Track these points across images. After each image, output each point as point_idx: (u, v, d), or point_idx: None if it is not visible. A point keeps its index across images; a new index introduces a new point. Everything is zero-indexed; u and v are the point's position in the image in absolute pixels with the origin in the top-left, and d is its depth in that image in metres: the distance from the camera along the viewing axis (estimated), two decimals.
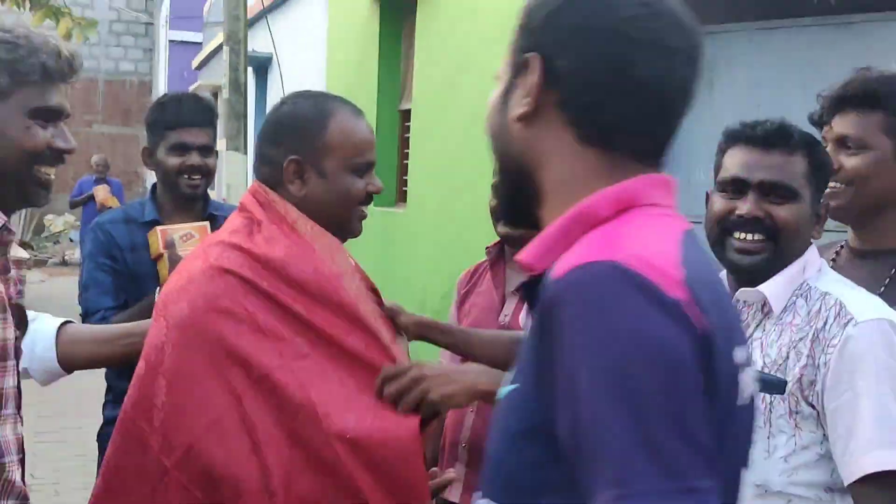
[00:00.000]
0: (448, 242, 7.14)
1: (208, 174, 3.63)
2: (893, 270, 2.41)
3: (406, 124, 8.92)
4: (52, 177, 2.24)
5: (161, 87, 25.82)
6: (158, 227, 3.41)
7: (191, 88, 19.43)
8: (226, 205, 4.37)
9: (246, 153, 10.49)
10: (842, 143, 2.47)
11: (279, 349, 2.12)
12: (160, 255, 3.37)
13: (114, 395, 3.31)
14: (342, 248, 2.36)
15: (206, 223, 3.45)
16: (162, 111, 3.68)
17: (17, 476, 2.08)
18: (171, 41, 23.97)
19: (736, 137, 2.26)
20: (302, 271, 2.18)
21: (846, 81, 2.51)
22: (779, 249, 2.19)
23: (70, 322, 2.57)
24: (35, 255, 18.53)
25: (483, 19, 6.71)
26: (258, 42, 13.72)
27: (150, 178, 17.14)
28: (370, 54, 9.27)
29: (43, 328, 2.52)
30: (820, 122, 2.55)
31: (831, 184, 2.37)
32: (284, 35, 13.06)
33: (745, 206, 2.19)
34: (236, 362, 2.08)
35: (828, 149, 2.42)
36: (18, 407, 2.16)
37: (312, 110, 2.37)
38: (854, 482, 2.05)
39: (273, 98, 13.84)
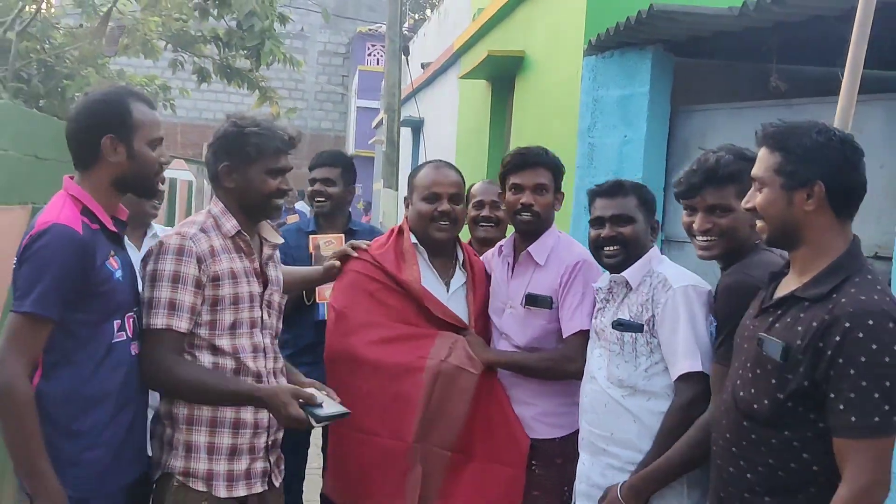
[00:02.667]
0: None
1: (330, 198, 3.99)
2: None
3: None
4: (282, 201, 2.69)
5: (351, 141, 26.42)
6: (311, 235, 3.89)
7: (370, 142, 20.30)
8: (362, 223, 4.56)
9: (397, 190, 11.18)
10: (712, 209, 2.58)
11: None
12: (310, 254, 3.80)
13: None
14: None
15: (342, 235, 3.83)
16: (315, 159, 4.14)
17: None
18: (358, 107, 24.33)
19: (595, 193, 2.84)
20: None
21: (701, 162, 2.63)
22: (627, 252, 2.76)
23: None
24: None
25: (552, 98, 7.02)
26: (415, 110, 14.41)
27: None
28: (484, 120, 9.44)
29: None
30: (688, 193, 2.62)
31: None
32: (431, 106, 13.47)
33: (604, 232, 2.79)
34: None
35: (699, 213, 2.59)
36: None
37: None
38: (675, 380, 2.59)
39: (425, 148, 14.50)
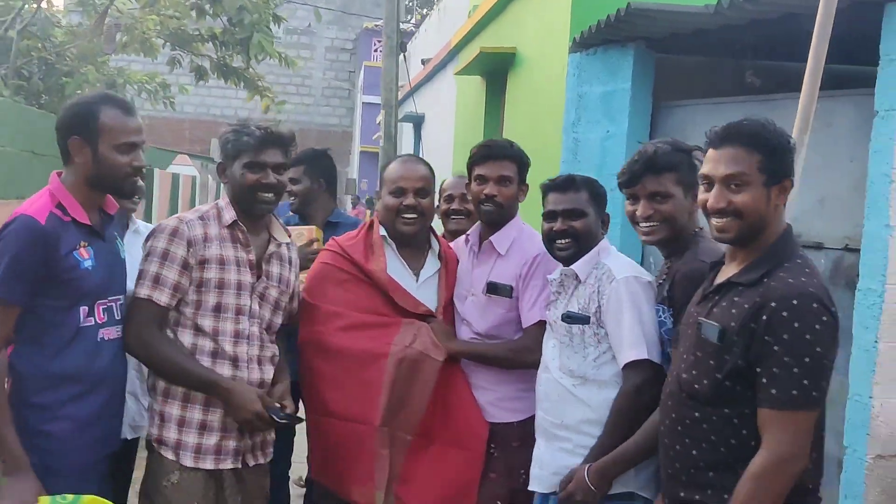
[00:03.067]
0: None
1: (296, 195, 4.11)
2: None
3: None
4: (270, 195, 2.84)
5: (357, 136, 26.63)
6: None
7: (374, 137, 20.42)
8: (346, 216, 4.63)
9: None
10: (653, 196, 2.68)
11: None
12: None
13: None
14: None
15: (313, 227, 3.94)
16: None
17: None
18: (363, 103, 24.52)
19: (548, 188, 2.93)
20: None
21: (642, 153, 2.74)
22: (579, 245, 2.84)
23: None
24: None
25: (541, 94, 7.13)
26: (417, 105, 14.42)
27: (346, 200, 18.07)
28: (479, 116, 9.59)
29: None
30: (630, 181, 2.73)
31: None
32: (431, 101, 13.61)
33: (556, 225, 2.87)
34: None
35: (641, 200, 2.70)
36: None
37: None
38: (623, 368, 2.68)
39: (425, 142, 14.70)
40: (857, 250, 4.23)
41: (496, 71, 8.85)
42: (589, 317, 2.75)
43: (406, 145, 15.79)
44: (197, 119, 26.79)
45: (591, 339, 2.75)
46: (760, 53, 5.21)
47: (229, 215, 2.85)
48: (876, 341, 4.02)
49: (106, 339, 2.66)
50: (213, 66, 8.61)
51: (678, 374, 2.32)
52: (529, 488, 2.89)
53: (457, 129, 11.14)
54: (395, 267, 3.13)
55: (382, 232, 3.15)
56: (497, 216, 3.14)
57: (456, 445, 3.00)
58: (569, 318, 2.78)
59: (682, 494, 2.24)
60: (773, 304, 2.07)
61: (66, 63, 7.54)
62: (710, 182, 2.25)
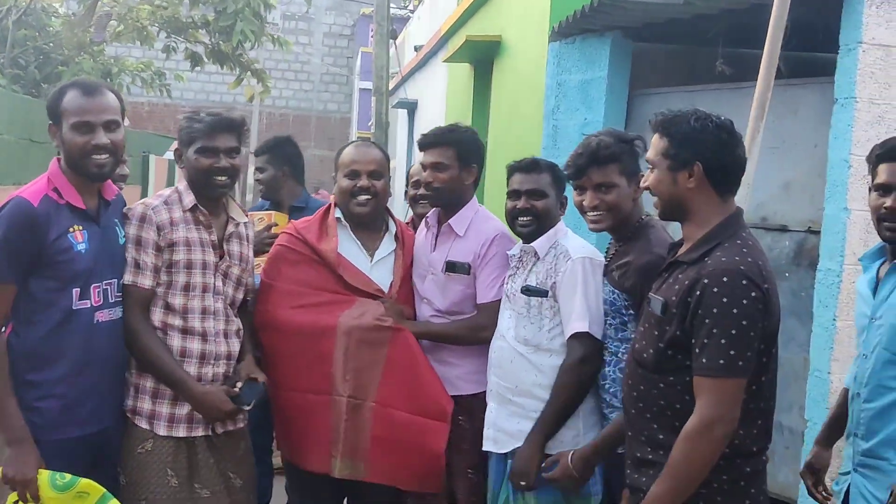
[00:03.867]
0: None
1: (262, 183, 4.29)
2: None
3: None
4: (224, 178, 2.93)
5: (355, 122, 26.64)
6: (249, 212, 3.94)
7: (369, 123, 20.43)
8: (313, 199, 4.61)
9: None
10: (598, 187, 2.82)
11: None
12: None
13: None
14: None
15: (272, 212, 4.08)
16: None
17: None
18: (361, 89, 23.97)
19: (513, 168, 3.09)
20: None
21: (585, 146, 2.86)
22: (539, 223, 3.01)
23: None
24: None
25: (524, 83, 7.23)
26: (410, 91, 14.58)
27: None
28: (468, 102, 9.75)
29: None
30: (577, 174, 2.87)
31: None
32: (423, 88, 13.73)
33: (519, 204, 3.04)
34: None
35: (587, 191, 2.84)
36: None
37: None
38: (568, 339, 2.87)
39: (419, 128, 14.68)
40: (820, 232, 4.38)
41: (483, 59, 8.95)
42: (547, 291, 2.92)
43: (400, 132, 15.88)
44: (197, 105, 26.58)
45: (548, 311, 2.92)
46: (731, 42, 5.31)
47: (189, 199, 2.96)
48: (834, 319, 4.18)
49: (101, 321, 2.75)
50: (208, 53, 8.70)
51: (633, 344, 2.49)
52: (484, 449, 3.06)
53: (448, 115, 11.18)
54: (348, 247, 3.24)
55: (338, 214, 3.28)
56: (435, 200, 3.32)
57: (423, 415, 3.13)
58: (528, 290, 2.94)
59: (638, 455, 2.39)
60: (705, 281, 2.21)
61: (61, 52, 7.66)
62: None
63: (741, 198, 3.39)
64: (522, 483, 2.85)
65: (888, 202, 2.64)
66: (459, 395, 3.20)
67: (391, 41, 11.03)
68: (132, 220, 2.91)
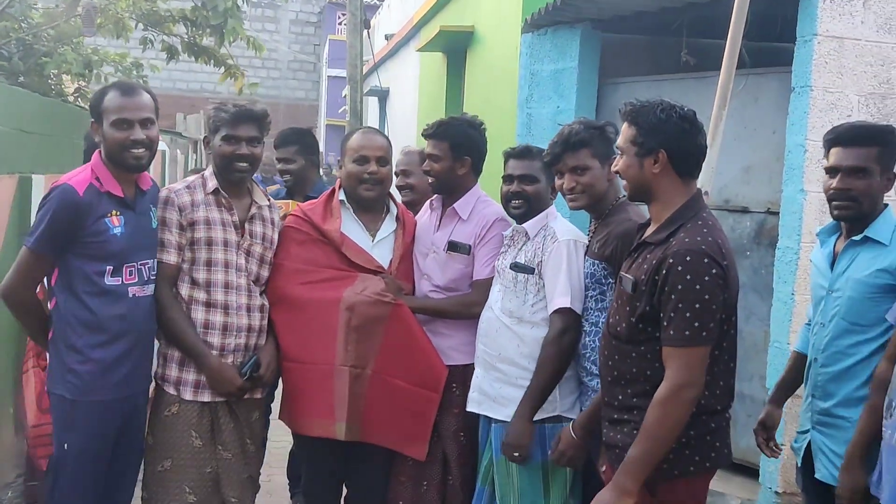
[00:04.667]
0: None
1: (292, 174, 4.47)
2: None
3: None
4: (245, 164, 3.19)
5: (323, 110, 26.66)
6: None
7: (339, 111, 20.49)
8: (326, 187, 4.83)
9: None
10: (573, 170, 3.05)
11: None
12: None
13: None
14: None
15: (290, 201, 4.25)
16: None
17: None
18: (329, 76, 24.42)
19: (508, 154, 3.32)
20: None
21: (559, 134, 3.07)
22: (530, 206, 3.24)
23: None
24: None
25: (498, 72, 7.45)
26: (382, 80, 14.69)
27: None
28: (441, 91, 9.92)
29: None
30: (554, 160, 3.10)
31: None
32: (395, 76, 13.83)
33: (512, 188, 3.27)
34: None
35: (565, 175, 3.06)
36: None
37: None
38: (551, 313, 3.10)
39: (390, 116, 14.96)
40: (778, 213, 4.65)
41: (456, 48, 9.12)
42: (533, 268, 3.15)
43: (371, 119, 15.97)
44: (164, 94, 26.59)
45: (532, 287, 3.15)
46: (696, 33, 5.53)
47: (212, 183, 3.21)
48: (793, 293, 4.46)
49: (137, 295, 3.01)
50: (185, 46, 8.79)
51: (608, 319, 2.71)
52: (468, 409, 3.29)
53: (421, 104, 11.42)
54: (351, 228, 3.45)
55: (342, 196, 3.48)
56: (435, 187, 3.57)
57: (417, 385, 3.35)
58: (516, 267, 3.18)
59: (614, 416, 2.61)
60: (671, 260, 2.42)
61: (43, 44, 7.73)
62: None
63: (705, 181, 3.67)
64: (516, 454, 3.05)
65: (834, 183, 2.87)
66: (453, 364, 3.41)
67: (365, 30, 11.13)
68: (158, 202, 3.15)
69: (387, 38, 14.40)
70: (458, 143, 3.47)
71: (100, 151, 3.02)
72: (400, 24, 13.25)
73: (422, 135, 3.62)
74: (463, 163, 3.49)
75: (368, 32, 12.02)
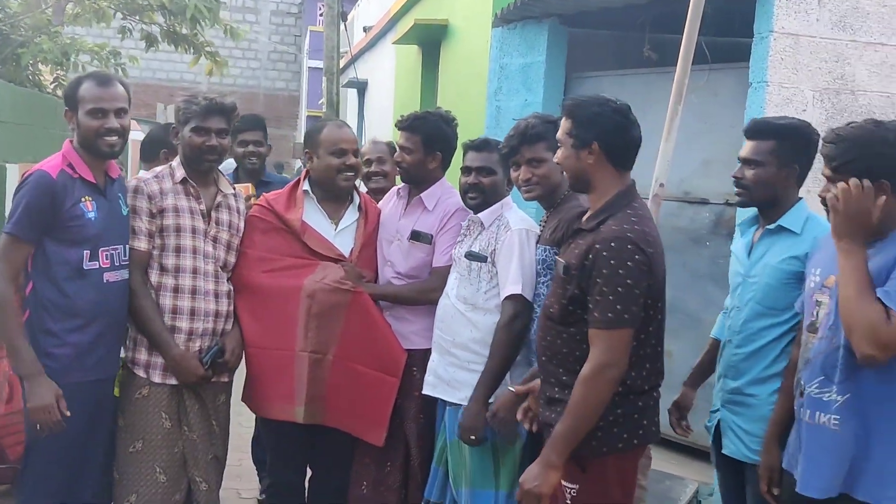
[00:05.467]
0: None
1: (260, 157, 4.50)
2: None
3: None
4: (214, 155, 3.29)
5: (304, 100, 26.50)
6: None
7: (319, 102, 20.42)
8: (277, 175, 5.05)
9: None
10: (529, 162, 3.14)
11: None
12: None
13: None
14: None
15: (249, 185, 4.27)
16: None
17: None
18: (309, 67, 23.98)
19: (467, 147, 3.40)
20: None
21: (516, 128, 3.16)
22: (486, 197, 3.33)
23: None
24: None
25: (470, 66, 7.52)
26: (360, 72, 14.75)
27: (297, 164, 17.76)
28: (416, 84, 9.98)
29: None
30: (511, 153, 3.18)
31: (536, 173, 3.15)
32: (372, 68, 13.87)
33: (469, 179, 3.36)
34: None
35: (521, 167, 3.14)
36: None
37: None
38: (503, 300, 3.19)
39: (369, 108, 15.04)
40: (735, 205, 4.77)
41: (431, 42, 9.18)
42: (487, 256, 3.25)
43: (351, 111, 16.00)
44: (142, 83, 26.48)
45: (486, 274, 3.25)
46: (658, 29, 5.65)
47: (180, 173, 3.30)
48: None
49: (110, 281, 3.09)
50: (164, 34, 8.79)
51: (545, 301, 2.84)
52: (423, 392, 3.39)
53: (397, 96, 11.45)
54: (315, 217, 3.53)
55: (306, 187, 3.56)
56: (404, 176, 3.65)
57: (377, 369, 3.44)
58: (470, 255, 3.28)
59: (548, 394, 2.72)
60: (598, 246, 2.53)
61: (20, 34, 7.72)
62: None
63: (661, 173, 3.78)
64: (472, 438, 3.14)
65: (735, 173, 3.03)
66: (414, 348, 3.50)
67: (341, 22, 11.17)
68: (128, 192, 3.24)
69: (365, 30, 14.42)
70: (431, 138, 3.55)
71: (70, 140, 3.10)
72: (377, 17, 13.28)
73: (395, 126, 3.69)
74: (434, 157, 3.57)
75: (346, 25, 12.04)
